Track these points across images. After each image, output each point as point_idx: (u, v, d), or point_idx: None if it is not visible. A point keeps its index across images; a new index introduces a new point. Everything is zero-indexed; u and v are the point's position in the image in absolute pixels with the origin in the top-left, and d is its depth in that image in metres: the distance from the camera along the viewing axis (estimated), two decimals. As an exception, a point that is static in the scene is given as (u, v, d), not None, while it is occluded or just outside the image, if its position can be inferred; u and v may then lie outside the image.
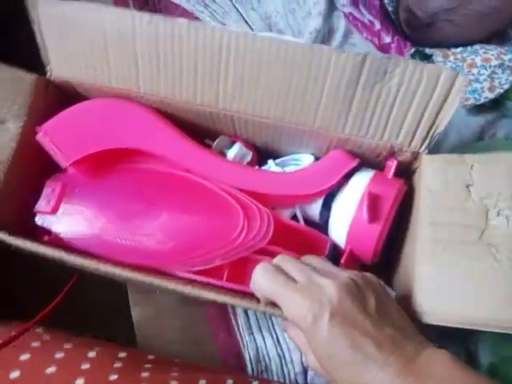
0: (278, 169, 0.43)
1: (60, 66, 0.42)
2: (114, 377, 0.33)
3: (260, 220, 0.36)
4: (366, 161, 0.42)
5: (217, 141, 0.43)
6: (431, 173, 0.37)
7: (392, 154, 0.40)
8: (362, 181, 0.40)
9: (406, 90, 0.35)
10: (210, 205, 0.38)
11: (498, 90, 0.54)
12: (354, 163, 0.40)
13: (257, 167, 0.44)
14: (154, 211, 0.39)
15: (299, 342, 0.35)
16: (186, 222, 0.38)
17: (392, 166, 0.40)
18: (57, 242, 0.40)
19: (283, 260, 0.33)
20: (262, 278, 0.32)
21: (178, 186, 0.40)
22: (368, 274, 0.33)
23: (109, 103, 0.43)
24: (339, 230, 0.40)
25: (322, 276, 0.30)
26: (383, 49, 0.62)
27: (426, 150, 0.38)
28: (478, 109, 0.56)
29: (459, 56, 0.57)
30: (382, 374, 0.26)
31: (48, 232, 0.41)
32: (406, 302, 0.35)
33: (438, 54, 0.58)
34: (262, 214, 0.37)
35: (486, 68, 0.55)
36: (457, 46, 0.58)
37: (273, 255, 0.39)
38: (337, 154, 0.41)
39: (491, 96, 0.54)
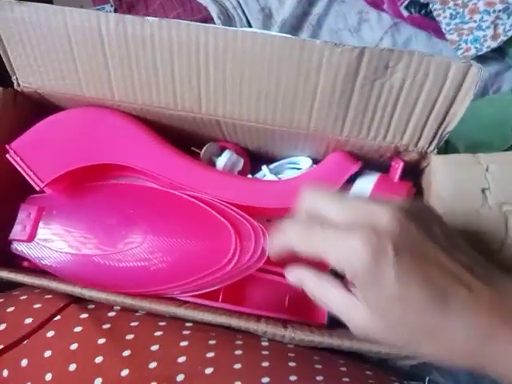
0: (272, 177, 0.39)
1: (26, 76, 0.38)
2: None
3: (254, 240, 0.33)
4: (368, 161, 0.38)
5: (204, 148, 0.40)
6: (442, 176, 0.33)
7: (397, 154, 0.36)
8: (365, 186, 0.36)
9: (411, 86, 0.31)
10: (198, 225, 0.35)
11: (502, 38, 0.49)
12: (356, 167, 0.36)
13: (250, 175, 0.40)
14: (138, 233, 0.36)
15: (333, 301, 0.25)
16: (173, 245, 0.35)
17: (398, 168, 0.36)
18: (37, 267, 0.38)
19: (312, 202, 0.25)
20: (293, 235, 0.24)
21: (163, 204, 0.37)
22: (422, 203, 0.26)
23: (83, 114, 0.39)
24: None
25: (370, 202, 0.23)
26: (375, 4, 0.57)
27: (435, 150, 0.34)
28: (481, 60, 0.51)
29: (459, 2, 0.51)
30: (470, 314, 0.21)
31: (27, 258, 0.38)
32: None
33: (435, 1, 0.52)
34: (257, 233, 0.33)
35: (489, 13, 0.49)
36: None
37: (271, 272, 0.36)
38: (336, 157, 0.37)
39: (494, 45, 0.49)
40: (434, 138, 0.33)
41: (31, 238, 0.37)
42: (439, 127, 0.33)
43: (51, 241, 0.37)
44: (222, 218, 0.34)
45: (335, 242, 0.22)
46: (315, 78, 0.32)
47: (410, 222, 0.22)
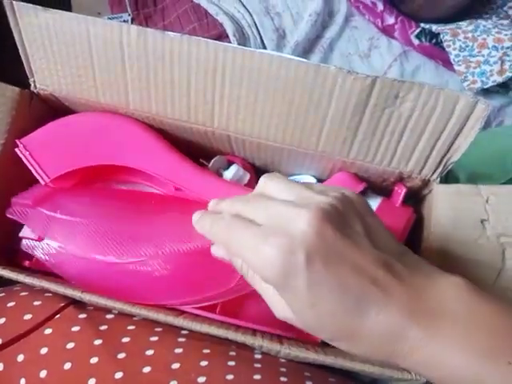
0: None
1: (44, 79, 0.39)
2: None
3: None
4: (371, 184, 0.39)
5: (213, 161, 0.40)
6: (443, 204, 0.34)
7: (400, 179, 0.37)
8: (367, 209, 0.37)
9: (419, 117, 0.32)
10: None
11: (508, 74, 0.51)
12: (361, 187, 0.37)
13: (255, 190, 0.41)
14: (148, 245, 0.36)
15: (263, 291, 0.26)
16: (180, 257, 0.35)
17: (400, 193, 0.37)
18: (39, 267, 0.38)
19: (235, 202, 0.26)
20: (212, 228, 0.26)
21: (171, 211, 0.37)
22: (348, 192, 0.25)
23: (96, 117, 0.40)
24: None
25: (289, 206, 0.22)
26: (386, 31, 0.59)
27: (438, 179, 0.35)
28: (485, 94, 0.53)
29: (470, 35, 0.53)
30: (383, 317, 0.21)
31: (29, 257, 0.39)
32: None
33: (446, 32, 0.54)
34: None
35: (497, 49, 0.51)
36: (454, 18, 0.55)
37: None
38: (342, 177, 0.38)
39: (499, 80, 0.51)
40: (437, 167, 0.34)
41: (41, 237, 0.37)
42: (443, 157, 0.34)
43: (60, 242, 0.37)
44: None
45: (253, 253, 0.22)
46: (327, 102, 0.33)
47: (326, 224, 0.21)
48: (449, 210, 0.33)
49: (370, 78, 0.30)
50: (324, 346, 0.37)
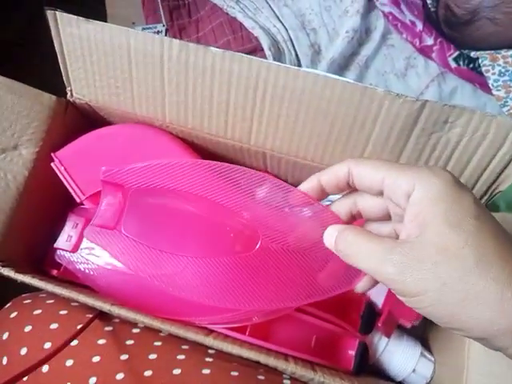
0: (311, 213, 0.39)
1: (81, 88, 0.39)
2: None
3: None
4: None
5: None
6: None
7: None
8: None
9: (468, 143, 0.31)
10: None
11: None
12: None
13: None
14: (180, 260, 0.36)
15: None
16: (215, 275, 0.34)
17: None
18: (66, 276, 0.38)
19: None
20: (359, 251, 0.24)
21: (205, 231, 0.37)
22: None
23: (131, 131, 0.39)
24: (377, 287, 0.36)
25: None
26: (424, 51, 0.58)
27: (484, 208, 0.34)
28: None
29: (510, 60, 0.52)
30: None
31: (57, 266, 0.38)
32: (450, 378, 0.31)
33: (485, 56, 0.53)
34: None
35: None
36: (498, 48, 0.54)
37: (303, 312, 0.36)
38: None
39: None
40: (484, 195, 0.33)
41: (75, 249, 0.37)
42: (490, 186, 0.32)
43: (94, 254, 0.37)
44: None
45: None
46: (371, 124, 0.32)
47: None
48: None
49: (419, 101, 0.29)
50: (356, 375, 0.35)
